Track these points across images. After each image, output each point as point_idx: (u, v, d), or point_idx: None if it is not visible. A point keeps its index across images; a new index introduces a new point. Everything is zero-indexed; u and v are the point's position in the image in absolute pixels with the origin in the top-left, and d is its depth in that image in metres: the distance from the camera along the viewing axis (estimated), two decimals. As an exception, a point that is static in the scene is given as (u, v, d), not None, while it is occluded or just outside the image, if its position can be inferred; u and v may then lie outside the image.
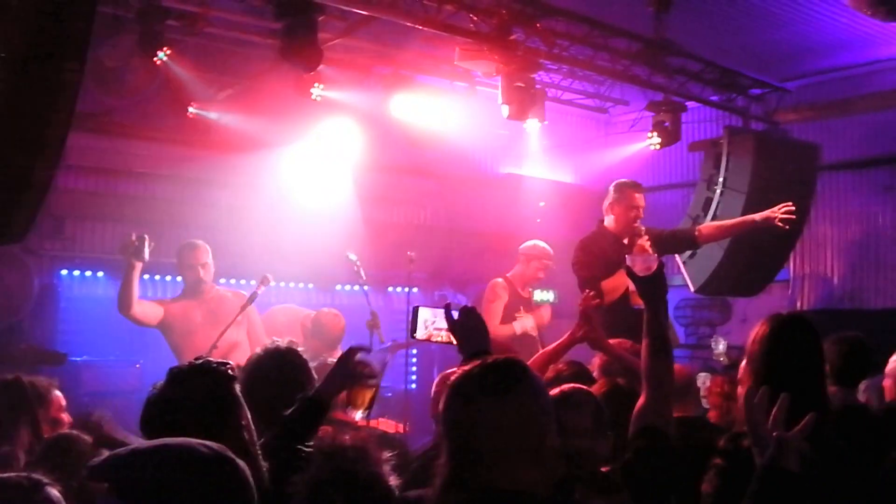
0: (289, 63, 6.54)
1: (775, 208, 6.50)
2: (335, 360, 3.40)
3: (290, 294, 9.02)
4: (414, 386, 9.19)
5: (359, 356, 3.35)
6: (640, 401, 3.15)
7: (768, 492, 2.27)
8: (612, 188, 6.52)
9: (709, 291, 9.17)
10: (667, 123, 8.71)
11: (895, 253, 9.49)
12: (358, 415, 3.48)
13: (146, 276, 7.25)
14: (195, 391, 2.66)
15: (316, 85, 7.55)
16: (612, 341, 4.79)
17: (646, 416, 3.10)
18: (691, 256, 8.63)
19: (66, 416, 4.17)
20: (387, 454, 2.60)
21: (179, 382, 2.70)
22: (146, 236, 6.26)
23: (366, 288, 7.42)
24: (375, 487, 2.51)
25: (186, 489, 1.79)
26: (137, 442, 2.26)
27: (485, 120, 8.96)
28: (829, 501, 2.64)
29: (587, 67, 8.39)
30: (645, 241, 6.03)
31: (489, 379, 2.25)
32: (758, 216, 6.64)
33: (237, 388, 2.75)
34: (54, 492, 2.02)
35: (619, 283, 6.00)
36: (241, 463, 1.91)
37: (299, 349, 3.77)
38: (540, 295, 8.89)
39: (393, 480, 2.57)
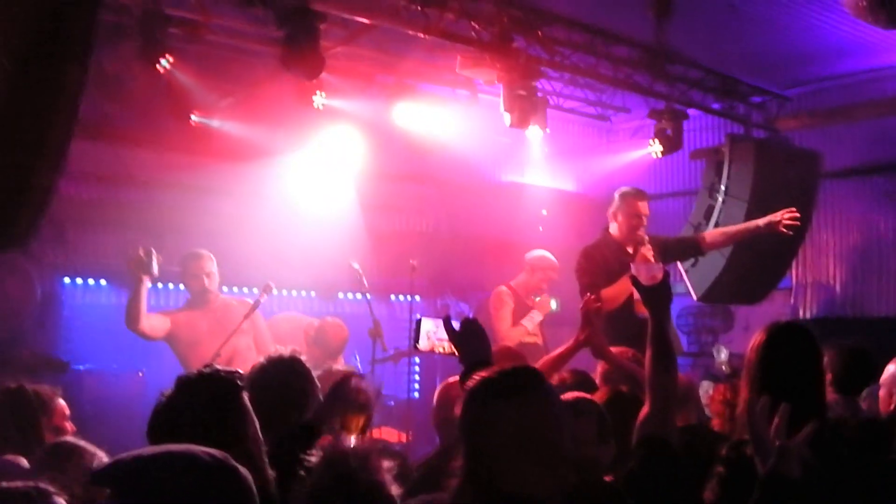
0: (290, 71, 6.54)
1: (778, 213, 6.50)
2: (340, 368, 3.42)
3: (292, 302, 9.03)
4: (417, 395, 9.19)
5: (353, 383, 3.39)
6: (644, 410, 3.15)
7: (770, 500, 2.27)
8: (616, 195, 6.54)
9: (711, 299, 9.16)
10: (668, 131, 8.72)
11: (897, 260, 9.49)
12: (352, 440, 3.52)
13: (149, 284, 7.24)
14: (203, 399, 2.66)
15: (318, 93, 7.55)
16: (614, 349, 4.79)
17: (649, 425, 3.10)
18: (693, 264, 8.63)
19: (69, 425, 4.17)
20: (388, 463, 2.60)
21: (187, 390, 2.71)
22: (154, 250, 6.27)
23: (368, 296, 7.42)
24: (376, 495, 2.51)
25: (188, 496, 1.79)
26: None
27: (486, 128, 8.96)
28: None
29: (588, 75, 8.40)
30: (647, 251, 6.04)
31: (505, 383, 2.30)
32: (761, 221, 6.65)
33: (245, 397, 2.75)
34: (61, 501, 2.02)
35: (618, 291, 6.01)
36: (244, 471, 1.91)
37: (302, 358, 3.77)
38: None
39: (394, 489, 2.57)
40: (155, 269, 6.26)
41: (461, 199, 10.39)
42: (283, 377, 3.62)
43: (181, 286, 7.20)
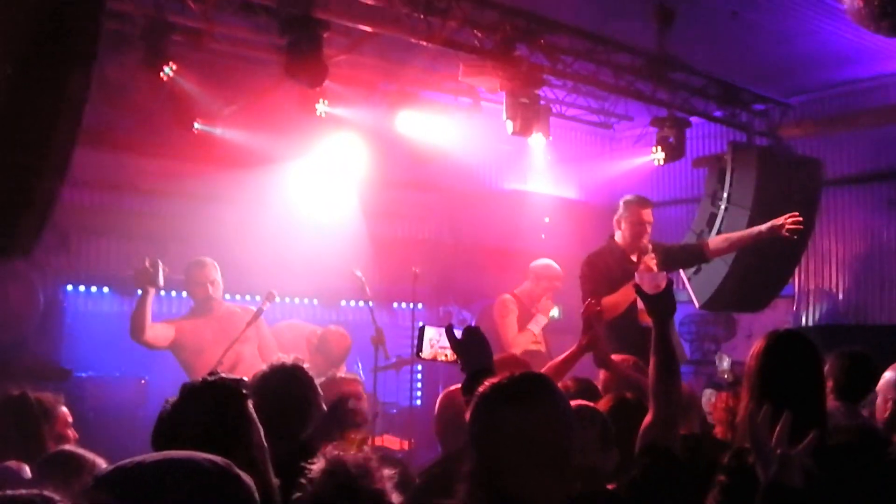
0: (294, 79, 6.56)
1: (781, 218, 6.49)
2: (342, 375, 3.42)
3: (295, 310, 9.02)
4: (419, 402, 9.18)
5: (350, 403, 3.40)
6: (647, 418, 3.15)
7: (772, 508, 2.27)
8: (620, 203, 6.54)
9: (714, 307, 9.15)
10: (671, 139, 8.73)
11: (900, 268, 9.49)
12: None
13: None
14: (207, 407, 2.66)
15: (321, 101, 7.58)
16: (617, 357, 4.79)
17: (652, 433, 3.10)
18: (696, 272, 8.63)
19: (71, 432, 4.18)
20: (389, 471, 2.60)
21: (192, 398, 2.71)
22: (160, 261, 6.28)
23: (371, 304, 7.42)
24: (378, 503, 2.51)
25: (189, 503, 1.79)
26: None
27: (489, 135, 8.97)
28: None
29: (591, 83, 8.41)
30: (650, 259, 6.04)
31: (515, 389, 2.33)
32: (764, 227, 6.63)
33: (250, 405, 2.75)
34: (65, 509, 2.02)
35: (619, 299, 6.01)
36: (247, 478, 1.91)
37: (305, 366, 3.77)
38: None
39: (395, 498, 2.57)
40: (161, 280, 6.27)
41: (464, 206, 10.40)
42: (284, 385, 3.62)
43: (185, 294, 7.21)
